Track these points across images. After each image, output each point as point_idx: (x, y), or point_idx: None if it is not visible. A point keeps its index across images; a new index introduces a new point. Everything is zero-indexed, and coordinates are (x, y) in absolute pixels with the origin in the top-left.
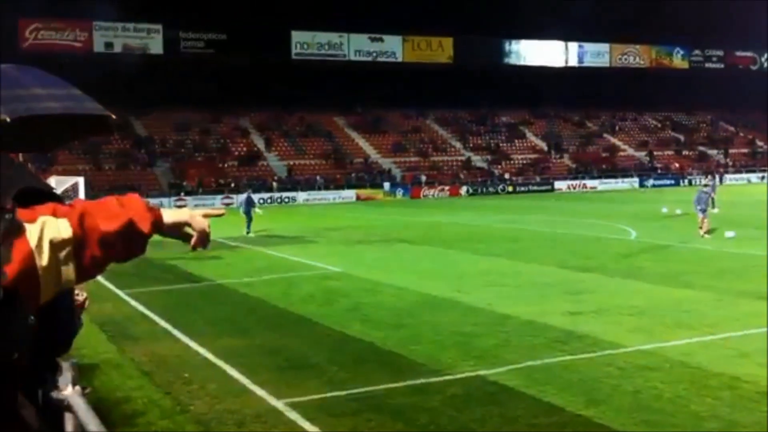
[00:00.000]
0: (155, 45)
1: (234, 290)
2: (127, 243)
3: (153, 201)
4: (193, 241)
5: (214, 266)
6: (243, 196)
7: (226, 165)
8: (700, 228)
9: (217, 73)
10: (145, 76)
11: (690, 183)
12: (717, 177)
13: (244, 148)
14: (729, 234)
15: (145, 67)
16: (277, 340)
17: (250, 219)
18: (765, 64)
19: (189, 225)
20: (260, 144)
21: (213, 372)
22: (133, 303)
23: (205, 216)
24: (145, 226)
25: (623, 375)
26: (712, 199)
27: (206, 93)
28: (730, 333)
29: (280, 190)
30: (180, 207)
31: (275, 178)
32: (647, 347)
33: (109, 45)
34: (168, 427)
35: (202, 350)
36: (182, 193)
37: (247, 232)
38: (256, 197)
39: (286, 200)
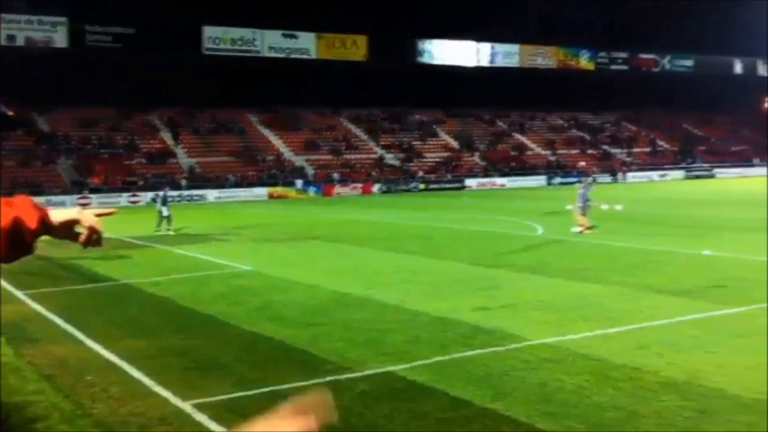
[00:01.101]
0: (60, 38)
1: (140, 290)
2: (13, 241)
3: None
4: (81, 238)
5: (120, 266)
6: (159, 194)
7: (133, 162)
8: (580, 225)
9: (125, 68)
10: (49, 71)
11: (594, 181)
12: (593, 177)
13: (153, 145)
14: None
15: (50, 61)
16: (184, 340)
17: (168, 217)
18: (667, 66)
19: (78, 223)
20: (170, 141)
21: (116, 374)
22: (33, 304)
23: (97, 216)
24: (32, 224)
25: (529, 368)
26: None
27: (114, 88)
28: (631, 325)
29: (189, 188)
30: (83, 205)
31: (185, 175)
32: (552, 340)
33: (11, 38)
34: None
35: (105, 352)
36: (86, 191)
37: (168, 230)
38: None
39: (196, 198)
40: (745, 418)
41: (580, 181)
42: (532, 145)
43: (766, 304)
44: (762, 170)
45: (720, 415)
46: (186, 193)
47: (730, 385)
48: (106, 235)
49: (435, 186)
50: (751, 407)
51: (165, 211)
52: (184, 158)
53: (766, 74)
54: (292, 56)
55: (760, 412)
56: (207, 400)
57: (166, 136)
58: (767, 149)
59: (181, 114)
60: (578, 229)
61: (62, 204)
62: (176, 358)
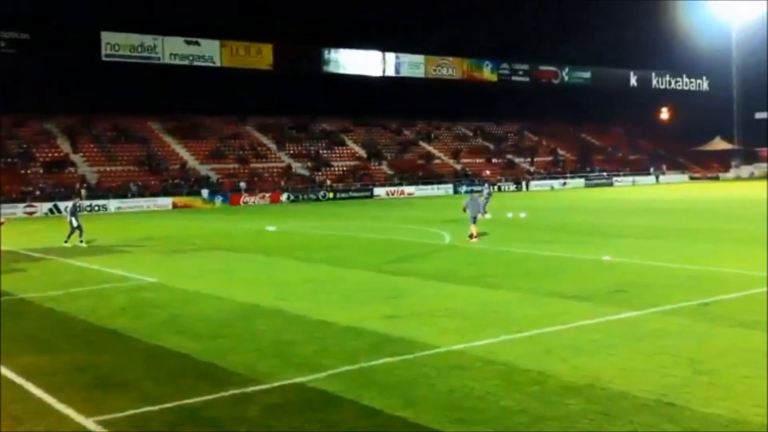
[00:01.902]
0: None
1: (38, 305)
2: None
3: None
4: None
5: (16, 279)
6: (69, 204)
7: (29, 171)
8: (471, 235)
9: (20, 74)
10: None
11: (499, 189)
12: (489, 186)
13: (50, 154)
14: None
15: None
16: (85, 356)
17: (79, 228)
18: (566, 78)
19: None
20: (68, 149)
21: (15, 392)
22: None
23: None
24: None
25: (438, 375)
26: (484, 205)
27: (7, 95)
28: (535, 330)
29: (89, 197)
30: None
31: (84, 185)
32: (460, 347)
33: None
34: None
35: (3, 369)
36: None
37: (80, 241)
38: (62, 205)
39: (96, 208)
40: (647, 419)
41: (472, 191)
42: (439, 154)
43: (665, 307)
44: (655, 179)
45: (623, 417)
46: (86, 203)
47: (631, 387)
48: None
49: (343, 195)
50: (652, 408)
51: (74, 222)
52: (83, 167)
53: (659, 86)
54: (195, 63)
55: (661, 413)
56: (111, 416)
57: (65, 145)
58: (660, 159)
59: (79, 122)
60: (473, 237)
61: None
62: (78, 375)
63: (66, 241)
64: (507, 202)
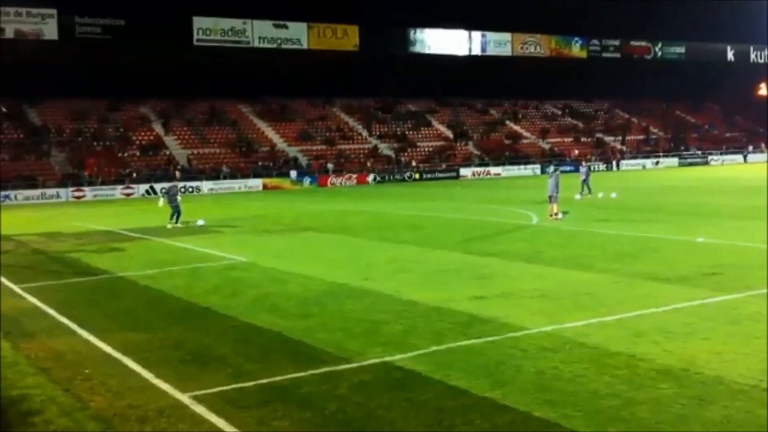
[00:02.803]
0: (50, 30)
1: (135, 283)
2: None
3: (50, 191)
4: None
5: (114, 258)
6: (167, 186)
7: (126, 154)
8: (551, 214)
9: (116, 60)
10: (39, 63)
11: (590, 169)
12: (587, 165)
13: (145, 137)
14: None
15: (40, 54)
16: (180, 333)
17: (177, 210)
18: (659, 54)
19: None
20: (162, 132)
21: (114, 367)
22: (29, 298)
23: None
24: None
25: (526, 356)
26: (588, 185)
27: (104, 80)
28: (627, 313)
29: (183, 179)
30: (78, 198)
31: (178, 167)
32: (549, 329)
33: (1, 31)
34: (67, 425)
35: (102, 345)
36: (81, 184)
37: (176, 222)
38: (158, 186)
39: (190, 190)
40: (742, 405)
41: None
42: (526, 134)
43: (762, 291)
44: (755, 157)
45: (717, 402)
46: (180, 184)
47: (726, 372)
48: (101, 227)
49: (429, 176)
50: (747, 394)
51: (174, 203)
52: (177, 150)
53: (758, 61)
54: (283, 47)
55: (756, 398)
56: (204, 392)
57: (158, 128)
58: (760, 136)
59: (172, 106)
60: (553, 216)
61: (56, 197)
62: (173, 351)
63: (176, 222)
64: (597, 182)
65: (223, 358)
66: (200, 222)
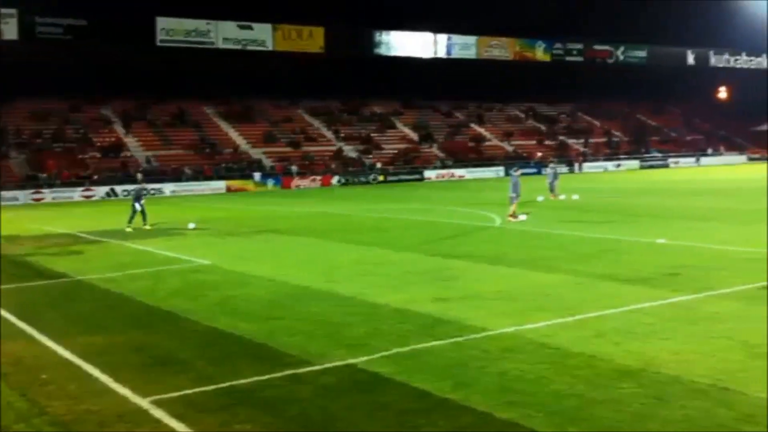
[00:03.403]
0: (10, 30)
1: (95, 286)
2: None
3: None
4: None
5: (74, 262)
6: (132, 188)
7: (87, 156)
8: (510, 216)
9: (77, 60)
10: None
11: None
12: (554, 167)
13: (107, 139)
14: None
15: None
16: (141, 337)
17: (142, 212)
18: (621, 58)
19: None
20: (123, 134)
21: (73, 372)
22: None
23: None
24: None
25: (488, 358)
26: (553, 187)
27: (65, 81)
28: (588, 314)
29: (145, 181)
30: (37, 200)
31: (140, 168)
32: (511, 330)
33: None
34: (24, 431)
35: (60, 349)
36: (40, 186)
37: (144, 224)
38: (119, 189)
39: (152, 192)
40: (699, 404)
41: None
42: (490, 136)
43: (720, 291)
44: (713, 159)
45: (676, 402)
46: (132, 188)
47: (685, 372)
48: (60, 230)
49: (394, 178)
50: (705, 393)
51: (137, 207)
52: (138, 151)
53: (717, 65)
54: (248, 48)
55: (714, 397)
56: (165, 396)
57: (120, 130)
58: (719, 139)
59: (135, 107)
60: (512, 218)
61: (14, 200)
62: (134, 355)
63: (129, 226)
64: (560, 184)
65: (185, 361)
66: (191, 225)
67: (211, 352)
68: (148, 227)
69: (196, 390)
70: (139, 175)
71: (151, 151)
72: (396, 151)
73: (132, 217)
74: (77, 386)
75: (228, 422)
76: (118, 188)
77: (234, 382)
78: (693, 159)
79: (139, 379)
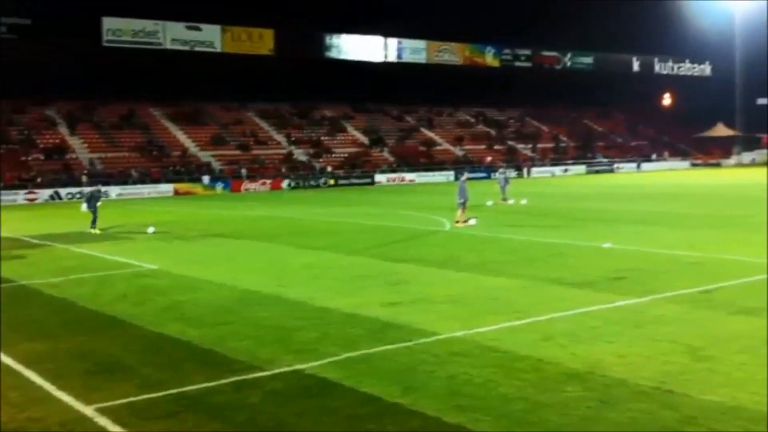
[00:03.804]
0: None
1: (39, 291)
2: None
3: None
4: None
5: (16, 266)
6: (87, 190)
7: (30, 158)
8: (457, 221)
9: (21, 60)
10: None
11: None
12: (505, 171)
13: (51, 140)
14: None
15: None
16: (86, 343)
17: (94, 214)
18: (568, 64)
19: None
20: (69, 135)
21: (14, 379)
22: None
23: None
24: None
25: (438, 362)
26: (504, 191)
27: (8, 81)
28: (536, 318)
29: (90, 184)
30: None
31: (85, 171)
32: (460, 334)
33: None
34: None
35: (2, 357)
36: None
37: (92, 228)
38: (63, 192)
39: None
40: (645, 407)
41: (458, 177)
42: (441, 141)
43: (665, 294)
44: (658, 165)
45: (621, 404)
46: (87, 189)
47: (630, 375)
48: (2, 234)
49: (344, 182)
50: (650, 395)
51: (86, 208)
52: (84, 153)
53: (662, 72)
54: (197, 49)
55: (659, 400)
56: (110, 403)
57: (65, 131)
58: (663, 145)
59: (80, 108)
60: (461, 223)
61: None
62: (77, 362)
63: (93, 228)
64: (508, 188)
65: (131, 368)
66: (151, 229)
67: (157, 358)
68: (96, 231)
69: (142, 397)
70: (84, 178)
71: (96, 153)
72: (347, 155)
73: (94, 219)
74: (19, 394)
75: (174, 429)
76: (63, 191)
77: (181, 389)
78: (637, 164)
79: (82, 387)
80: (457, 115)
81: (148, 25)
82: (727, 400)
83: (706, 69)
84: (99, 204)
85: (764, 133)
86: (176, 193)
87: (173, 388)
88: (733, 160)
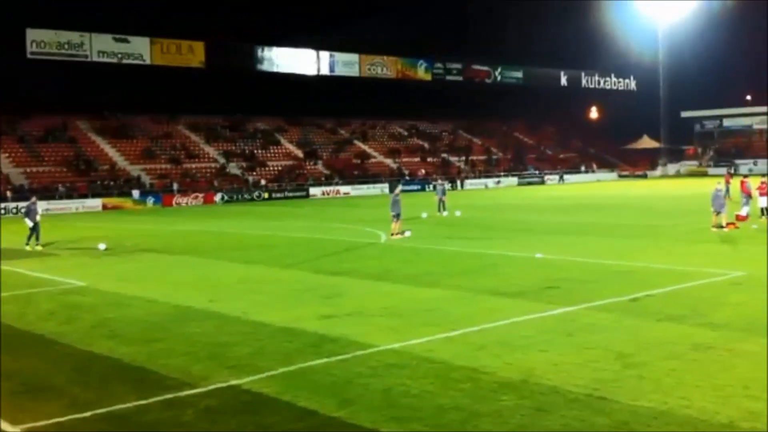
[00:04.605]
0: None
1: None
2: None
3: None
4: None
5: None
6: (25, 204)
7: None
8: (392, 233)
9: None
10: None
11: (434, 188)
12: (443, 183)
13: None
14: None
15: None
16: (11, 362)
17: (35, 229)
18: (498, 78)
19: None
20: None
21: None
22: None
23: None
24: None
25: (374, 374)
26: (443, 203)
27: None
28: (470, 328)
29: (15, 199)
30: None
31: (9, 186)
32: (397, 346)
33: None
34: None
35: None
36: None
37: (27, 244)
38: None
39: (23, 210)
40: (578, 413)
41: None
42: (375, 153)
43: (595, 303)
44: (586, 177)
45: (555, 412)
46: (12, 205)
47: (563, 382)
48: None
49: (279, 195)
50: (583, 402)
51: (30, 223)
52: (8, 168)
53: (588, 86)
54: (125, 62)
55: (591, 406)
56: (38, 424)
57: None
58: (591, 156)
59: (3, 121)
60: (395, 235)
61: None
62: (4, 382)
63: (27, 244)
64: (446, 200)
65: (59, 387)
66: (102, 246)
67: (86, 378)
68: (39, 247)
69: (71, 417)
70: (8, 193)
71: (21, 167)
72: (281, 168)
73: (30, 235)
74: None
75: None
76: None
77: (111, 408)
78: (567, 176)
79: (9, 407)
80: (390, 127)
81: (74, 36)
82: (657, 405)
83: (632, 83)
84: (38, 218)
85: (688, 145)
86: (105, 207)
87: (103, 407)
88: (658, 171)
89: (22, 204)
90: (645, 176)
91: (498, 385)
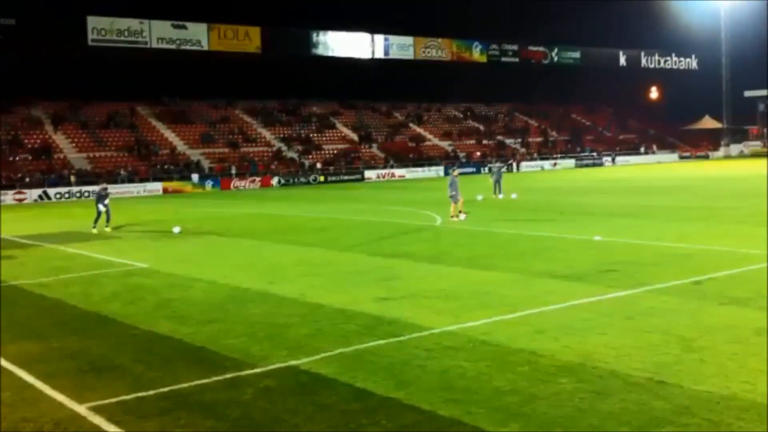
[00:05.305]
0: None
1: (29, 291)
2: None
3: None
4: None
5: (6, 267)
6: (95, 189)
7: (17, 158)
8: (454, 214)
9: (6, 60)
10: None
11: (490, 170)
12: (501, 164)
13: (38, 140)
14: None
15: None
16: (77, 342)
17: (107, 213)
18: (555, 59)
19: None
20: (56, 135)
21: (7, 379)
22: None
23: None
24: None
25: (430, 356)
26: (500, 185)
27: None
28: (528, 311)
29: (79, 183)
30: None
31: (73, 170)
32: (453, 328)
33: None
34: None
35: None
36: None
37: (94, 227)
38: (51, 192)
39: (86, 194)
40: (638, 397)
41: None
42: (429, 136)
43: (655, 286)
44: (646, 158)
45: (614, 395)
46: (75, 189)
47: (622, 366)
48: None
49: (334, 178)
50: (642, 386)
51: (101, 208)
52: (71, 153)
53: (648, 66)
54: (183, 47)
55: (650, 390)
56: (103, 402)
57: (51, 131)
58: (651, 138)
59: (67, 108)
60: (454, 217)
61: None
62: (70, 361)
63: (94, 227)
64: (503, 183)
65: (123, 367)
66: (176, 229)
67: (149, 357)
68: (108, 229)
69: (135, 395)
70: (73, 177)
71: (84, 153)
72: (336, 152)
73: (97, 219)
74: (12, 394)
75: (168, 427)
76: (51, 191)
77: (174, 387)
78: (626, 157)
79: (75, 386)
80: (445, 110)
81: (133, 24)
82: (718, 390)
83: (693, 62)
84: (107, 202)
85: (752, 124)
86: (165, 191)
87: (166, 386)
88: (721, 152)
89: (86, 188)
90: (707, 157)
91: (556, 368)
